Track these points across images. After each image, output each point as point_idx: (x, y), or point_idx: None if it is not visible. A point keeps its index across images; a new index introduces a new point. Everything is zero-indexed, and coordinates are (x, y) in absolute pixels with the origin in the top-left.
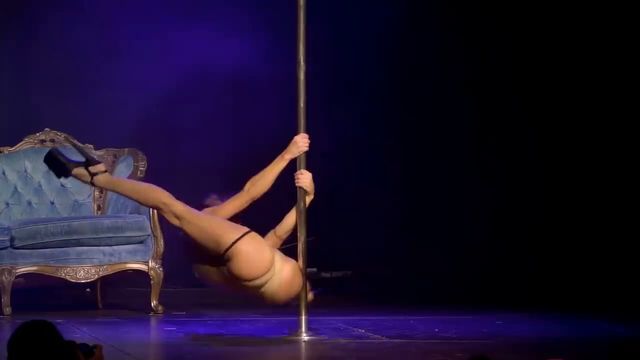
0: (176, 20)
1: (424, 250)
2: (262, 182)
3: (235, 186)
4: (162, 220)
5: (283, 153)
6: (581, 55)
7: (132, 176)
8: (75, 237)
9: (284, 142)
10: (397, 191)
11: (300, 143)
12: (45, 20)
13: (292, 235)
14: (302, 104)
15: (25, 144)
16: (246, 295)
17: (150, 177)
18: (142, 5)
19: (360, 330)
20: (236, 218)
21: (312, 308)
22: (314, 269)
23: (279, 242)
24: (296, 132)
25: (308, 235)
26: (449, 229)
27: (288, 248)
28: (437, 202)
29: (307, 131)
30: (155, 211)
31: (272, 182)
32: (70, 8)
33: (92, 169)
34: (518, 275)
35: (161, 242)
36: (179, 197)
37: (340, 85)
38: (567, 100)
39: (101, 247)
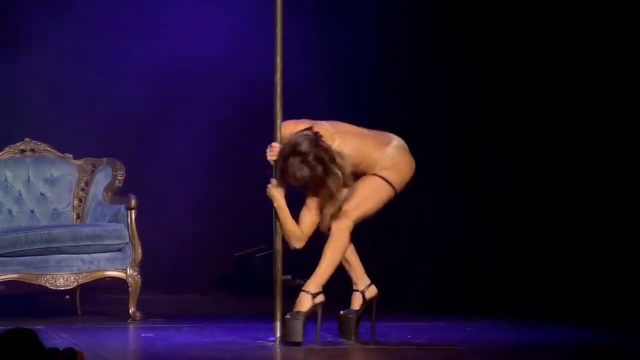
0: (152, 31)
1: (423, 250)
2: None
3: (219, 188)
4: (140, 228)
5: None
6: (581, 55)
7: (111, 185)
8: (55, 245)
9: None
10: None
11: (268, 152)
12: (26, 30)
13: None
14: (278, 111)
15: (6, 153)
16: None
17: (128, 186)
18: (119, 17)
19: (334, 336)
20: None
21: None
22: (289, 276)
23: None
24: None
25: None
26: (449, 229)
27: (263, 256)
28: (436, 202)
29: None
30: (133, 220)
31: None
32: (53, 18)
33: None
34: (518, 275)
35: (139, 250)
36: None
37: (339, 86)
38: (567, 101)
39: (80, 255)
